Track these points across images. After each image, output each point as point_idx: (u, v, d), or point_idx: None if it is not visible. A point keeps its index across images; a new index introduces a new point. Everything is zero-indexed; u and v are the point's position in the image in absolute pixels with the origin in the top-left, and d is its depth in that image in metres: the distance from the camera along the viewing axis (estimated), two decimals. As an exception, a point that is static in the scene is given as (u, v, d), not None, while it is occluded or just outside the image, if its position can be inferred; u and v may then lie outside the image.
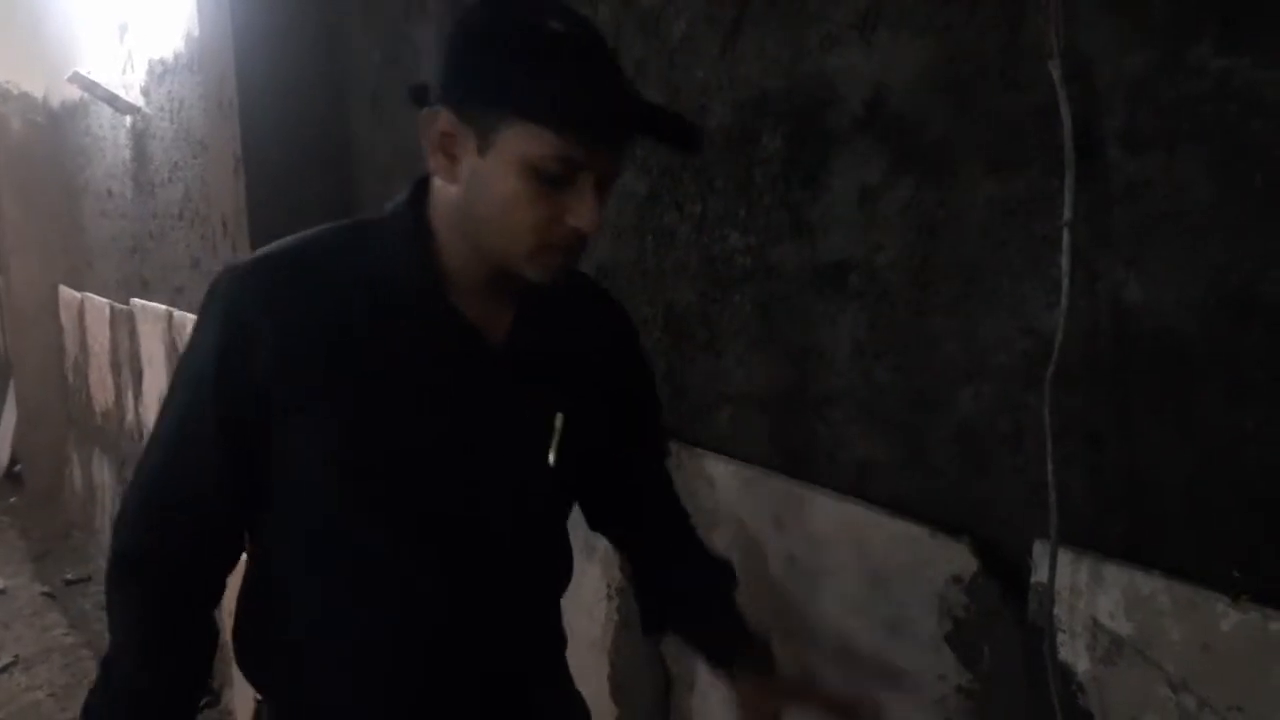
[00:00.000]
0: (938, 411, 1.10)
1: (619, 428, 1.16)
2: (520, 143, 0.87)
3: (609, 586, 1.62)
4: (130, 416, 4.35)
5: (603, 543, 1.60)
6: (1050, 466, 0.94)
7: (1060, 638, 0.97)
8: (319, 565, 1.04)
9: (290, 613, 1.07)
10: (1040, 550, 0.97)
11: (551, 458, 1.05)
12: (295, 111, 2.45)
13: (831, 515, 1.22)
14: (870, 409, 1.19)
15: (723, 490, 1.39)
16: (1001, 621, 1.03)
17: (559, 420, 1.05)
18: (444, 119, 0.90)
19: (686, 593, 1.21)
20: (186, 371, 1.01)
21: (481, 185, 0.91)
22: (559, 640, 1.21)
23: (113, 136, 4.29)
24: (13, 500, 5.90)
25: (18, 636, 4.06)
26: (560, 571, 1.16)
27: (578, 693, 1.24)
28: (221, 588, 1.09)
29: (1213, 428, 0.87)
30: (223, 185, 2.58)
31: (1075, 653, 0.96)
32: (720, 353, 1.41)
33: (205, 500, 1.01)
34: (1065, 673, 0.96)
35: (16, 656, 3.93)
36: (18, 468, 6.03)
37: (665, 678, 1.51)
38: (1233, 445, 0.85)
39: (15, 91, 5.35)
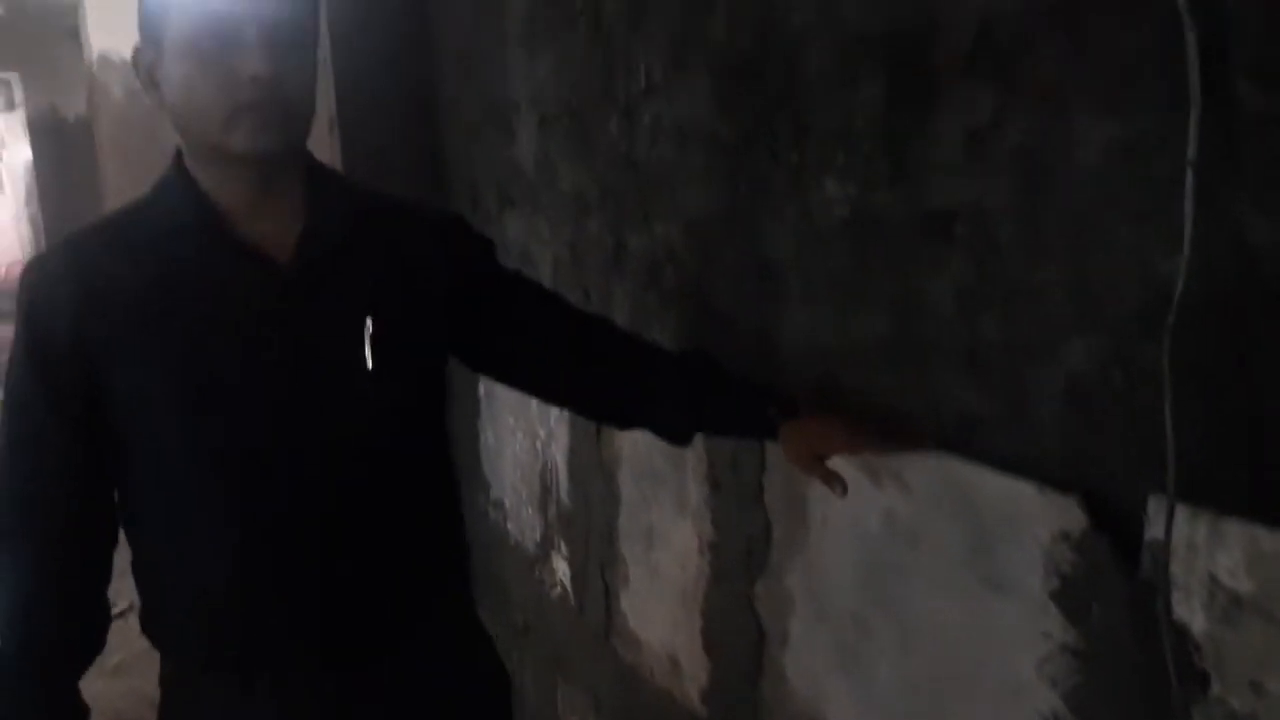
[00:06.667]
0: (1046, 364, 1.07)
1: (481, 311, 1.21)
2: (175, 31, 1.00)
3: (700, 539, 1.62)
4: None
5: (694, 497, 1.60)
6: (1168, 418, 0.90)
7: (1175, 595, 0.93)
8: (165, 518, 1.07)
9: (151, 566, 1.10)
10: (1155, 505, 0.94)
11: (369, 362, 1.06)
12: (386, 71, 2.47)
13: (932, 471, 1.20)
14: (974, 361, 1.15)
15: (817, 444, 1.37)
16: (1111, 579, 1.00)
17: (369, 324, 1.06)
18: (138, 50, 1.06)
19: (683, 390, 1.24)
20: (14, 367, 1.04)
21: (168, 87, 1.03)
22: (434, 577, 1.19)
23: (210, 101, 4.38)
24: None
25: None
26: (420, 490, 1.16)
27: (478, 633, 1.29)
28: (105, 565, 1.10)
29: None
30: (319, 144, 2.63)
31: (1191, 611, 0.92)
32: (815, 303, 1.38)
33: (61, 498, 1.05)
34: (1180, 632, 0.93)
35: None
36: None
37: (759, 630, 1.51)
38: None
39: (116, 60, 5.51)
